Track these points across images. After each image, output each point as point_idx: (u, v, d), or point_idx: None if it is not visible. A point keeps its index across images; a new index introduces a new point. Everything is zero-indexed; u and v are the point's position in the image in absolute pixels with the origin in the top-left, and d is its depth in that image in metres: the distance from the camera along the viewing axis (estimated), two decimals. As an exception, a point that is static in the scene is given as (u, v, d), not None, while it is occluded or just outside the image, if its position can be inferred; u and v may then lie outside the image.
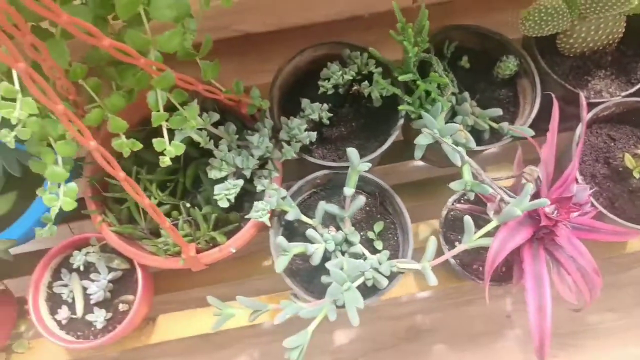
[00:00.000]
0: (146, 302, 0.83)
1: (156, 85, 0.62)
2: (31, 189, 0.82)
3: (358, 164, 0.69)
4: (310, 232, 0.73)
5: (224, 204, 0.71)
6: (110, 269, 0.83)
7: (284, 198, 0.75)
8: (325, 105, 0.82)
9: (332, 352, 1.21)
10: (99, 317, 0.81)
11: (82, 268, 0.84)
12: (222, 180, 0.74)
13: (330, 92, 0.83)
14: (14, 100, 0.55)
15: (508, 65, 0.85)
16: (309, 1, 1.08)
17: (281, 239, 0.69)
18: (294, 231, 0.81)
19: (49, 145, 0.66)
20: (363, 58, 0.83)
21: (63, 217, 0.92)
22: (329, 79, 0.83)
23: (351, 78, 0.83)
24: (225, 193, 0.69)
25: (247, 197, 0.81)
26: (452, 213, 0.83)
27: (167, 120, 0.64)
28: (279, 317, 0.70)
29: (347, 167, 0.79)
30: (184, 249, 0.74)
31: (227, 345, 1.21)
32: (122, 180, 0.59)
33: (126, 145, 0.64)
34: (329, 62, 0.83)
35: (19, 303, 0.93)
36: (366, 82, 0.83)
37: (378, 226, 0.80)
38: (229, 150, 0.72)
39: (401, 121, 0.81)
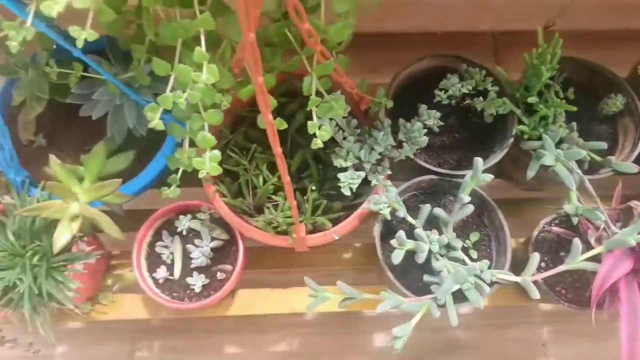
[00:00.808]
0: (240, 274, 0.87)
1: (316, 72, 0.66)
2: (147, 150, 0.86)
3: (480, 173, 0.73)
4: (419, 232, 0.76)
5: (347, 192, 0.74)
6: (212, 238, 0.87)
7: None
8: (438, 113, 0.85)
9: (369, 353, 1.24)
10: (197, 281, 0.84)
11: (184, 233, 0.87)
12: (340, 170, 0.77)
13: (443, 102, 0.87)
14: (200, 66, 0.59)
15: (615, 103, 0.89)
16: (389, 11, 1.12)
17: (401, 233, 0.72)
18: (390, 228, 0.84)
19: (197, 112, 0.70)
20: (481, 74, 0.87)
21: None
22: (446, 90, 0.86)
23: (466, 92, 0.86)
24: (349, 182, 0.73)
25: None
26: (542, 234, 0.87)
27: (317, 106, 0.67)
28: (381, 307, 0.74)
29: (454, 175, 0.83)
30: (297, 228, 0.77)
31: (268, 330, 1.25)
32: (278, 156, 0.62)
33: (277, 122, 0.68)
34: (448, 74, 0.87)
35: (109, 257, 0.97)
36: (480, 97, 0.87)
37: (474, 236, 0.84)
38: (354, 143, 0.76)
39: (511, 140, 0.84)
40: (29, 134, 0.91)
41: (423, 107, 0.84)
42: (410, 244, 0.73)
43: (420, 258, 0.75)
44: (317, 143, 0.65)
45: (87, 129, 0.91)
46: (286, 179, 0.67)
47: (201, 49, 0.57)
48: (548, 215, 0.86)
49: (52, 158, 0.74)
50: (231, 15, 0.60)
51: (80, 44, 0.50)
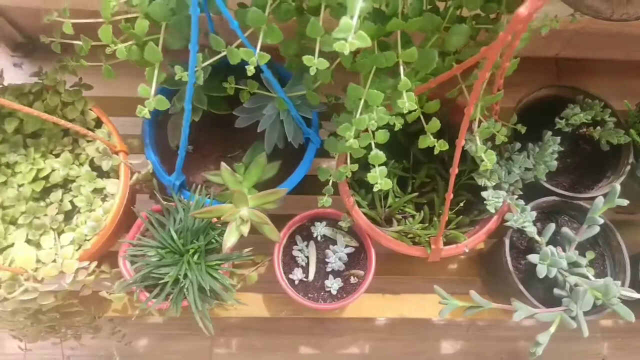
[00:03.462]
0: (371, 279, 0.93)
1: (484, 102, 0.73)
2: (289, 161, 0.93)
3: (616, 198, 0.80)
4: (550, 248, 0.83)
5: (492, 209, 0.82)
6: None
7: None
8: (558, 139, 0.93)
9: (438, 359, 1.30)
10: (334, 284, 0.91)
11: (319, 238, 0.94)
12: (481, 188, 0.84)
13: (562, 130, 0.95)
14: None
15: None
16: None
17: (547, 249, 0.80)
18: (511, 244, 0.92)
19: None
20: (599, 105, 0.94)
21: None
22: (567, 118, 0.94)
23: (585, 121, 0.94)
24: (494, 201, 0.80)
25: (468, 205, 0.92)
26: (649, 255, 0.94)
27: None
28: (516, 316, 0.81)
29: (574, 197, 0.90)
30: (437, 240, 0.85)
31: (340, 334, 1.30)
32: (453, 175, 0.69)
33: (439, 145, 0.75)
34: (570, 104, 0.95)
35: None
36: (598, 127, 0.94)
37: (590, 255, 0.91)
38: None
39: (628, 167, 0.92)
40: (175, 139, 0.98)
41: (548, 134, 0.91)
42: (549, 260, 0.80)
43: (551, 273, 0.82)
44: (487, 166, 0.72)
45: (226, 139, 0.99)
46: (450, 195, 0.74)
47: (407, 79, 0.64)
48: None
49: (224, 165, 0.81)
50: (430, 51, 0.67)
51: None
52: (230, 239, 0.79)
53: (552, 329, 0.79)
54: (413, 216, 0.94)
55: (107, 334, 1.02)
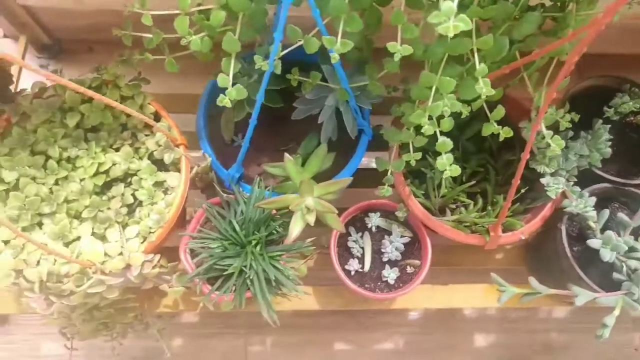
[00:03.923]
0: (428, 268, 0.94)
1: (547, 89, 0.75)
2: (339, 153, 0.94)
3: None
4: (610, 234, 0.85)
5: (552, 195, 0.83)
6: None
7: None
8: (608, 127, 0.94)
9: (470, 352, 1.31)
10: (391, 274, 0.92)
11: (373, 229, 0.95)
12: (530, 177, 0.86)
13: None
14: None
15: None
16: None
17: (610, 234, 0.81)
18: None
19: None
20: (646, 94, 0.96)
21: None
22: (615, 107, 0.95)
23: (634, 110, 0.95)
24: (555, 187, 0.81)
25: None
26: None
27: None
28: (578, 300, 0.82)
29: (626, 184, 0.92)
30: (497, 227, 0.86)
31: (373, 329, 1.31)
32: (524, 159, 0.70)
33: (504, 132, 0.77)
34: (618, 93, 0.96)
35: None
36: (646, 115, 0.96)
37: (641, 240, 0.92)
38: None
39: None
40: (229, 133, 0.99)
41: (599, 122, 0.93)
42: (612, 244, 0.81)
43: (611, 257, 0.84)
44: (555, 151, 0.73)
45: (279, 133, 1.00)
46: (517, 181, 0.76)
47: (484, 65, 0.66)
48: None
49: (287, 156, 0.82)
50: (501, 39, 0.68)
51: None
52: (295, 229, 0.80)
53: (617, 312, 0.81)
54: (466, 206, 0.95)
55: (142, 332, 1.01)
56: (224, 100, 0.65)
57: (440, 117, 0.73)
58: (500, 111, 0.77)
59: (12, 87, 0.94)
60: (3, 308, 0.99)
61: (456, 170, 0.75)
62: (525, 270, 1.09)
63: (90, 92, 0.65)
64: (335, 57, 0.62)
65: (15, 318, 1.27)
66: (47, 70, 1.41)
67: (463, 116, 0.76)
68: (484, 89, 0.66)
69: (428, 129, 0.69)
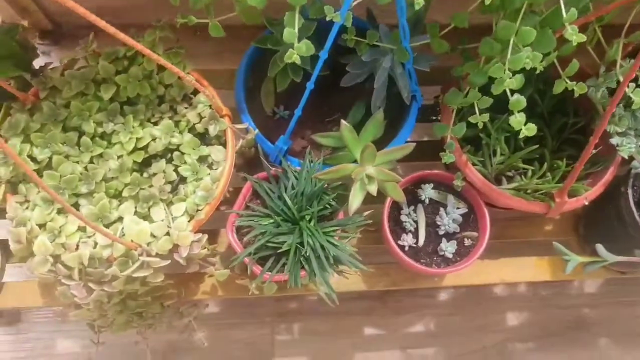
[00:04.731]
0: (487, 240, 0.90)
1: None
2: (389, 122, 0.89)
3: None
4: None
5: (624, 155, 0.79)
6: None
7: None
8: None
9: (503, 331, 1.28)
10: (448, 247, 0.87)
11: (426, 202, 0.90)
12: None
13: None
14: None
15: None
16: None
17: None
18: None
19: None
20: None
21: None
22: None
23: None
24: (627, 147, 0.77)
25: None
26: None
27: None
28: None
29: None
30: (562, 193, 0.81)
31: (402, 312, 1.27)
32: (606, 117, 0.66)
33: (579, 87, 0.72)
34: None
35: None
36: None
37: None
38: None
39: None
40: (269, 105, 0.93)
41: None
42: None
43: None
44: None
45: (322, 103, 0.94)
46: (591, 147, 0.71)
47: (574, 9, 0.61)
48: None
49: (344, 124, 0.76)
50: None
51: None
52: (356, 200, 0.74)
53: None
54: (523, 173, 0.90)
55: (174, 323, 0.94)
56: (293, 56, 0.60)
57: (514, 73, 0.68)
58: (574, 65, 0.72)
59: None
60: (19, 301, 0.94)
61: (532, 129, 0.71)
62: (574, 240, 1.05)
63: (147, 51, 0.58)
64: (419, 2, 0.57)
65: (28, 316, 1.21)
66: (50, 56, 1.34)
67: (537, 71, 0.71)
68: (573, 35, 0.61)
69: (510, 82, 0.64)
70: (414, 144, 0.76)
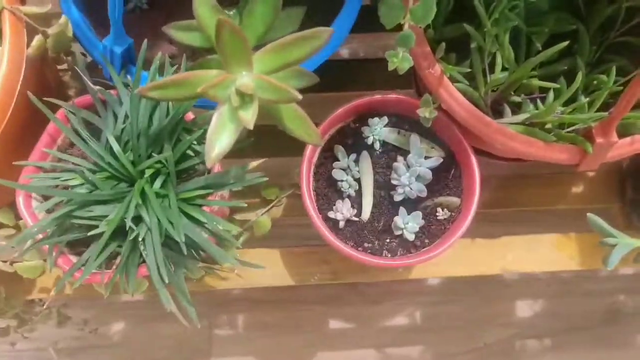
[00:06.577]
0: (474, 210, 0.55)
1: None
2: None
3: None
4: None
5: None
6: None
7: None
8: None
9: (514, 325, 1.05)
10: (409, 222, 0.52)
11: (376, 147, 0.55)
12: None
13: None
14: None
15: None
16: None
17: None
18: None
19: None
20: None
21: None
22: None
23: None
24: None
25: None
26: None
27: None
28: None
29: None
30: (607, 129, 0.45)
31: (381, 300, 1.04)
32: None
33: None
34: None
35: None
36: None
37: None
38: None
39: None
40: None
41: None
42: None
43: None
44: None
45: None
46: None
47: None
48: None
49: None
50: None
51: None
52: (218, 140, 0.39)
53: None
54: (538, 98, 0.54)
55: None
56: None
57: None
58: None
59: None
60: None
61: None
62: (618, 209, 0.73)
63: None
64: None
65: None
66: None
67: None
68: None
69: None
70: (332, 30, 0.39)
